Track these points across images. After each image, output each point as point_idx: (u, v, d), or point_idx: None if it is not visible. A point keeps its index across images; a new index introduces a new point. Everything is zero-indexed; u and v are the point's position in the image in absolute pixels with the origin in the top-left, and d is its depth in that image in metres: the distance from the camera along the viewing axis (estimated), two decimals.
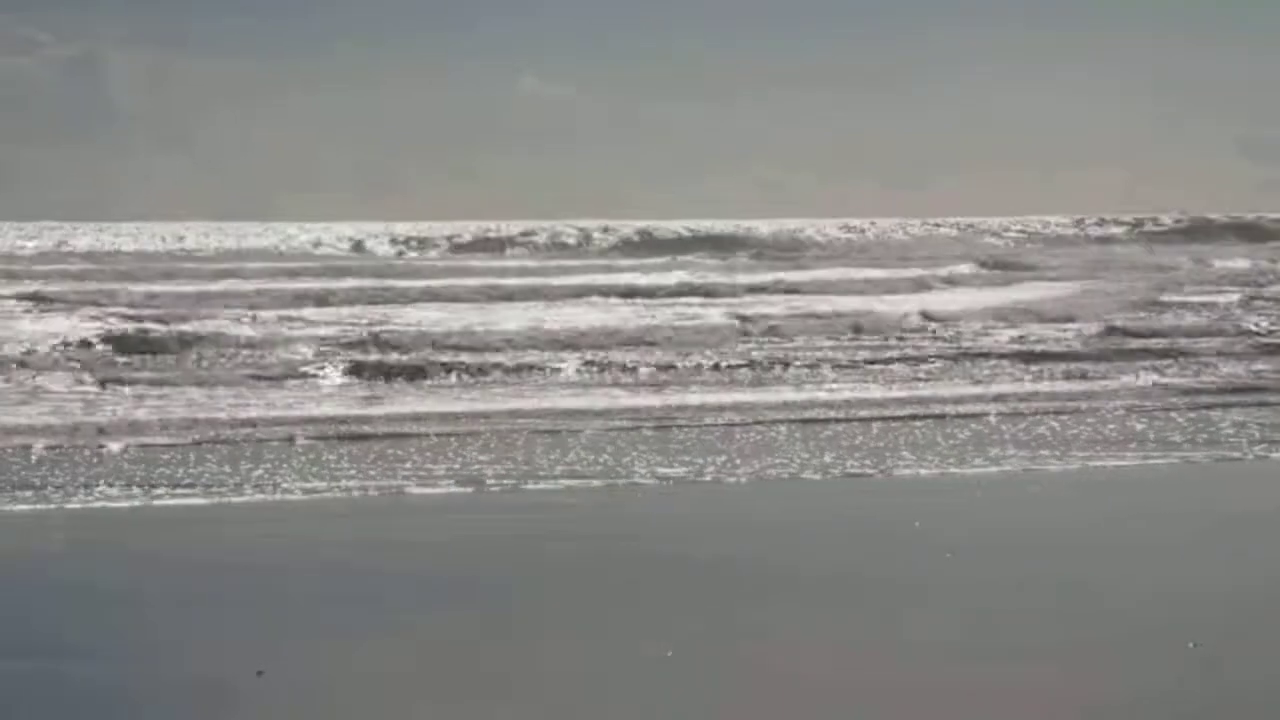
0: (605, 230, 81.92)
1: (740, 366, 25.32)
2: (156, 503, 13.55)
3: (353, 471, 15.05)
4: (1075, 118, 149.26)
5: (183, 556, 11.44)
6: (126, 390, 22.25)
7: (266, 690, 8.04)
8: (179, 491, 14.02)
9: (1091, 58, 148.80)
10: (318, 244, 79.70)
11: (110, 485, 14.25)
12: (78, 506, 13.38)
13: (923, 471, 15.08)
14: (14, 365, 25.34)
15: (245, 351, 27.76)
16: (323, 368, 24.93)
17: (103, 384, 23.02)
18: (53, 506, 13.40)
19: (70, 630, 9.30)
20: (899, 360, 26.11)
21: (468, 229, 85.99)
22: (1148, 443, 16.80)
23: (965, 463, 15.55)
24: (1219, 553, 11.29)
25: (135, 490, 14.04)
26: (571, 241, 78.62)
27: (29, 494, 13.92)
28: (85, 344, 28.27)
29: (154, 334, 29.17)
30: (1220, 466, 15.52)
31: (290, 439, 17.35)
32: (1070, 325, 32.53)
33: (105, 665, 8.50)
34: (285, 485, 14.29)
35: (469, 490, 14.08)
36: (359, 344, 28.46)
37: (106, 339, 28.78)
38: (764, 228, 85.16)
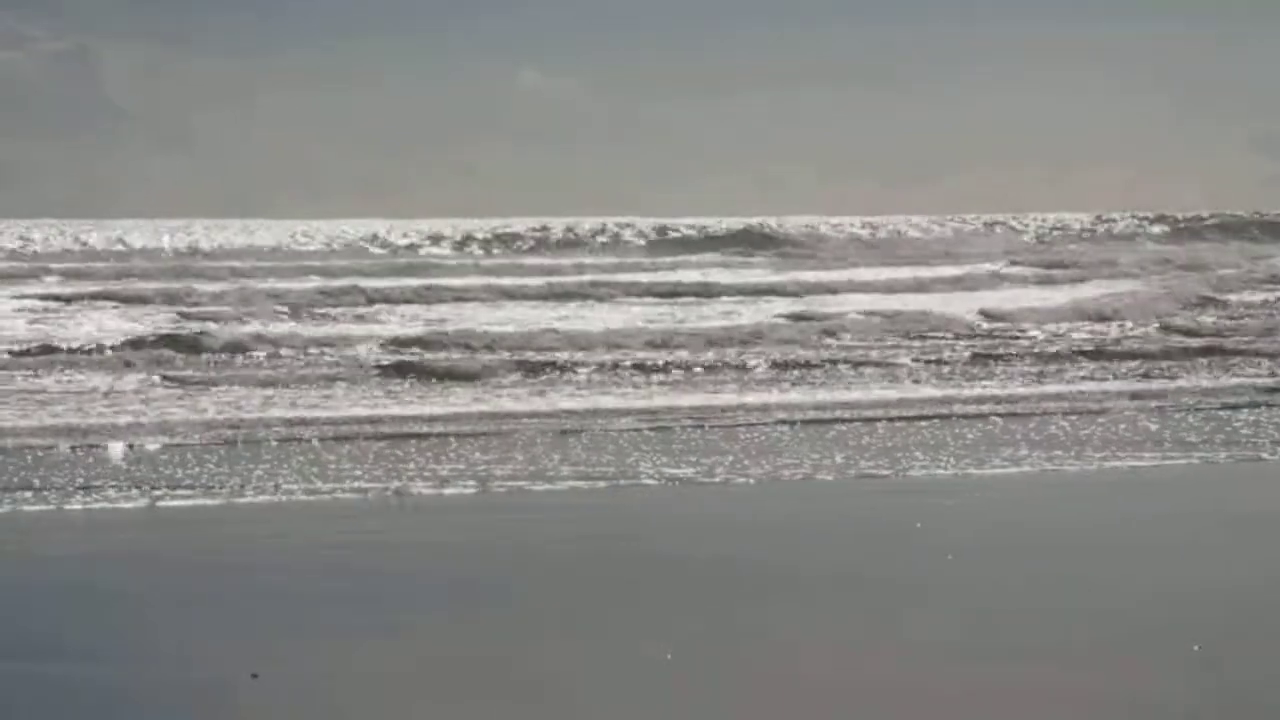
0: (625, 227, 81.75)
1: (816, 366, 25.03)
2: (247, 500, 13.43)
3: (436, 469, 14.90)
4: (1085, 115, 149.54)
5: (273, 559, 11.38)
6: (187, 390, 22.02)
7: (268, 692, 7.98)
8: (267, 489, 13.91)
9: (1101, 56, 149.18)
10: (331, 241, 79.44)
11: (173, 487, 14.06)
12: (171, 505, 13.26)
13: (1066, 467, 15.00)
14: (67, 365, 25.09)
15: (288, 351, 27.50)
16: (378, 366, 24.68)
17: (166, 381, 22.90)
18: (142, 505, 13.24)
19: (70, 631, 9.28)
20: (978, 360, 25.85)
21: (479, 226, 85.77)
22: (1240, 442, 16.61)
23: (1113, 458, 15.49)
24: (1243, 555, 11.21)
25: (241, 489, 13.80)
26: (585, 238, 78.44)
27: (50, 494, 13.77)
28: (137, 343, 28.00)
29: (201, 333, 28.99)
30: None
31: (366, 438, 17.21)
32: (1131, 324, 32.40)
33: (104, 666, 8.50)
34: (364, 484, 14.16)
35: (573, 488, 13.99)
36: (410, 342, 28.24)
37: (157, 338, 28.60)
38: (777, 224, 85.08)
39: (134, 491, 13.81)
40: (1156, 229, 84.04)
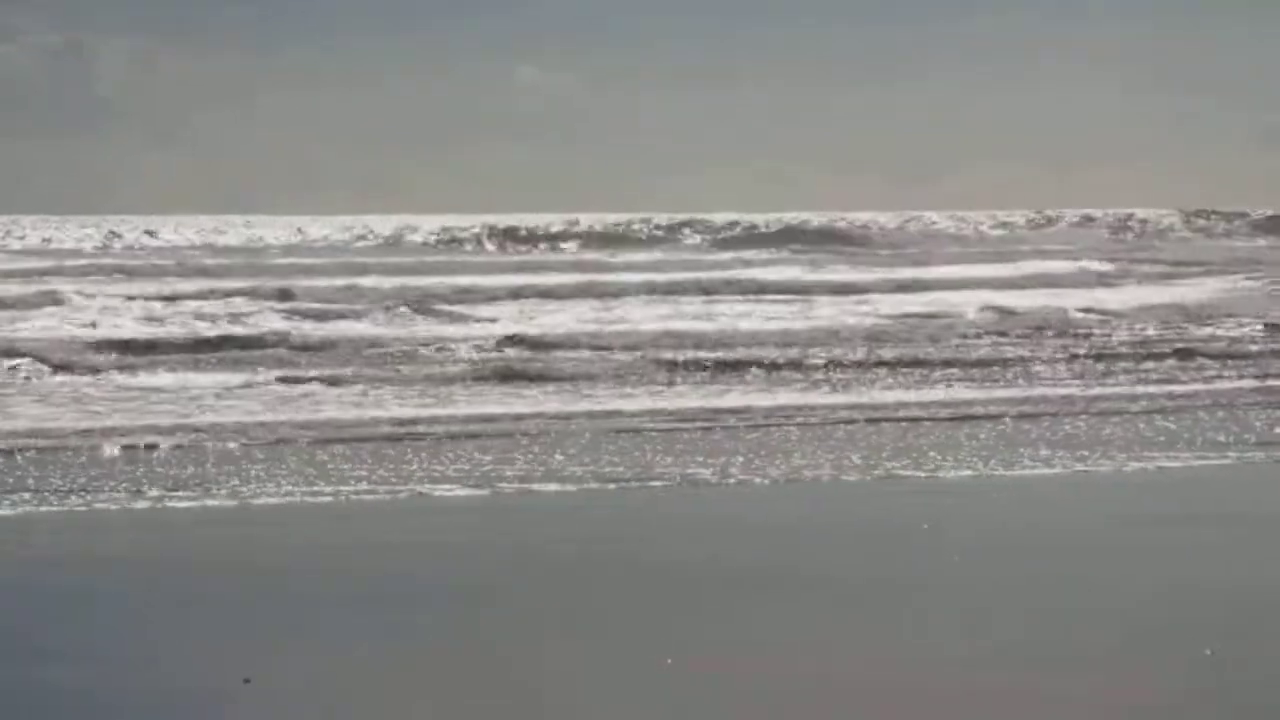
0: (685, 223, 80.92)
1: (995, 364, 25.41)
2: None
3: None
4: (1093, 112, 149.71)
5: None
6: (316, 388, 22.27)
7: (268, 694, 8.00)
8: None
9: (1101, 55, 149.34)
10: (358, 238, 79.21)
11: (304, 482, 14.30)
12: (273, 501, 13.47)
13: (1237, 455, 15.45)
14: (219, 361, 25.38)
15: (373, 350, 27.63)
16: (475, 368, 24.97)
17: (287, 382, 23.15)
18: (238, 503, 13.43)
19: (71, 633, 9.31)
20: (1114, 357, 26.24)
21: (498, 221, 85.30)
22: None
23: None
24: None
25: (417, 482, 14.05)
26: (620, 233, 78.01)
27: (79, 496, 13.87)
28: (255, 342, 28.22)
29: (285, 332, 29.28)
30: None
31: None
32: (1240, 322, 32.74)
33: (101, 669, 8.53)
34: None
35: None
36: (507, 341, 28.53)
37: (274, 335, 28.87)
38: (803, 219, 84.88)
39: (379, 485, 14.14)
40: (1232, 224, 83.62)
